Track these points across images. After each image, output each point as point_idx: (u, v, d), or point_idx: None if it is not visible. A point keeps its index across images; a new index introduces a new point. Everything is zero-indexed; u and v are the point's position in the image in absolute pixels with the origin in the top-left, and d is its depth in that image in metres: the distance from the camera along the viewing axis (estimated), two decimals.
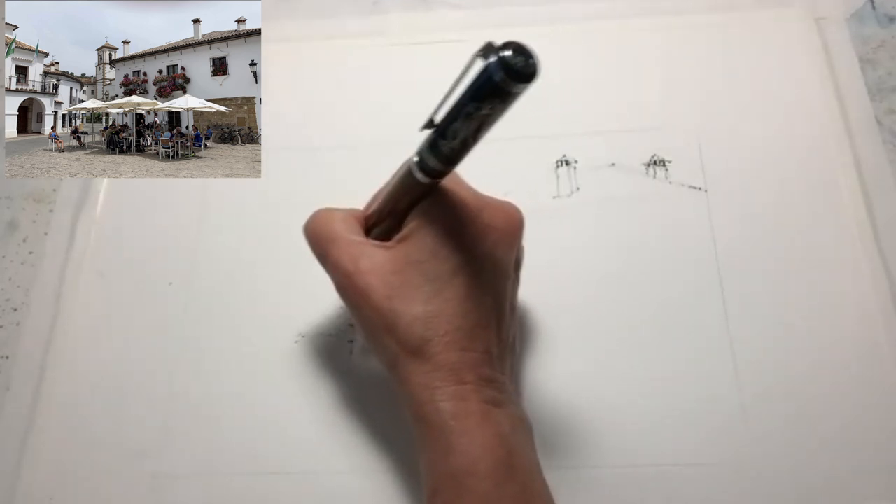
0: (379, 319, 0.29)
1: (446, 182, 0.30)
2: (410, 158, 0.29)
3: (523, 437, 0.29)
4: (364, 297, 0.29)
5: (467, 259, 0.29)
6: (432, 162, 0.28)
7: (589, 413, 0.36)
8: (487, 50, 0.23)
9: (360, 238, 0.31)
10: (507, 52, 0.23)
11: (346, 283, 0.30)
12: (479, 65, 0.24)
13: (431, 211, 0.30)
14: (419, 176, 0.29)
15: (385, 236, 0.32)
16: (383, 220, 0.32)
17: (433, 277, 0.29)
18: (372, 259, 0.30)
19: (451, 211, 0.30)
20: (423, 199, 0.30)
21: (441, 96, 0.26)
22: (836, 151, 0.42)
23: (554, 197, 0.42)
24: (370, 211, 0.33)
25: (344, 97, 0.47)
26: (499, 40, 0.24)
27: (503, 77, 0.23)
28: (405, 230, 0.30)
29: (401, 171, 0.30)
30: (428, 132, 0.27)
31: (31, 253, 0.43)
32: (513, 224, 0.31)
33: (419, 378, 0.28)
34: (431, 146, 0.27)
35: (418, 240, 0.29)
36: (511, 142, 0.43)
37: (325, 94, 0.47)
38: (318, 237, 0.32)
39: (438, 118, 0.27)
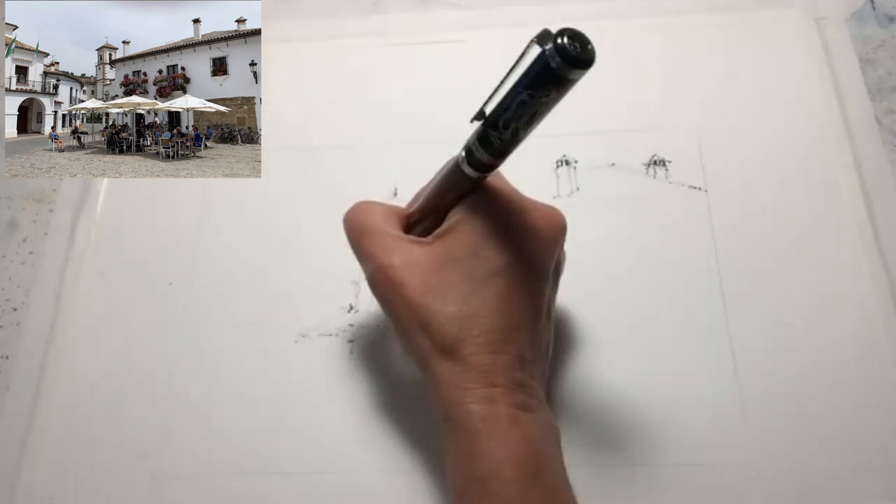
0: (412, 316, 0.28)
1: (492, 179, 0.29)
2: (458, 153, 0.28)
3: (551, 443, 0.29)
4: (397, 292, 0.29)
5: (509, 260, 0.28)
6: (481, 155, 0.27)
7: (588, 413, 0.36)
8: (544, 37, 0.23)
9: (396, 232, 0.31)
10: (564, 39, 0.23)
11: (379, 277, 0.30)
12: (534, 52, 0.23)
13: (475, 207, 0.29)
14: (467, 170, 0.28)
15: (425, 234, 0.31)
16: (426, 218, 0.31)
17: (472, 276, 0.28)
18: (408, 254, 0.29)
19: (496, 209, 0.29)
20: (468, 196, 0.29)
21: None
22: (836, 151, 0.42)
23: (554, 197, 0.42)
24: (413, 209, 0.32)
25: (344, 97, 0.47)
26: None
27: (560, 63, 0.23)
28: (445, 225, 0.30)
29: (446, 166, 0.30)
30: (476, 125, 0.27)
31: (31, 253, 0.43)
32: (557, 228, 0.30)
33: (450, 378, 0.28)
34: (481, 138, 0.27)
35: (459, 236, 0.29)
36: None
37: (325, 94, 0.47)
38: (355, 228, 0.31)
39: (489, 109, 0.26)
